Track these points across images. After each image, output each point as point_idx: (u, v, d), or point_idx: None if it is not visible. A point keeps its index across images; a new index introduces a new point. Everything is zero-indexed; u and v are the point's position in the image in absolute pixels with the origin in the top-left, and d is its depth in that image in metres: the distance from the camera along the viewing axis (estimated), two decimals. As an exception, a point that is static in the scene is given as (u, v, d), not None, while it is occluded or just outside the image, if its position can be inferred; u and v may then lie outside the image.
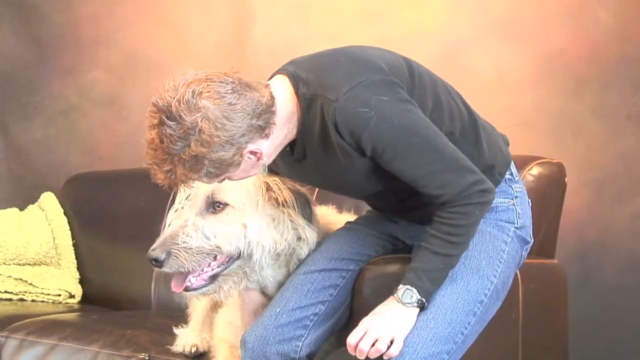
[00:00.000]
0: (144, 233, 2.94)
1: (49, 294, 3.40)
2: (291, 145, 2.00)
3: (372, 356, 1.89)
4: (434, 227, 1.93)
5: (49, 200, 3.66)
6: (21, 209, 3.68)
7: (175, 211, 2.17)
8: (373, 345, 1.89)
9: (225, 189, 2.10)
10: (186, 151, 1.80)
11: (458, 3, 3.14)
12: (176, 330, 2.51)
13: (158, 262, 2.05)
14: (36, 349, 2.77)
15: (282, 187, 2.14)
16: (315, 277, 2.11)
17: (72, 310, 3.25)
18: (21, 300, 3.37)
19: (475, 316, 1.98)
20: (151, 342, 2.60)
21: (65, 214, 3.61)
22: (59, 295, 3.41)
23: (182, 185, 1.89)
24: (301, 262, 2.17)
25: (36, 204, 3.68)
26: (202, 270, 2.09)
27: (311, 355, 2.08)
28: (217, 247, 2.08)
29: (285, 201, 2.12)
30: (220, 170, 1.86)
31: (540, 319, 2.44)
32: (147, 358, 2.55)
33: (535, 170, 2.55)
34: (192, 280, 2.08)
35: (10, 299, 3.36)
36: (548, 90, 2.98)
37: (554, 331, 2.54)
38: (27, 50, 4.18)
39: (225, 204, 2.11)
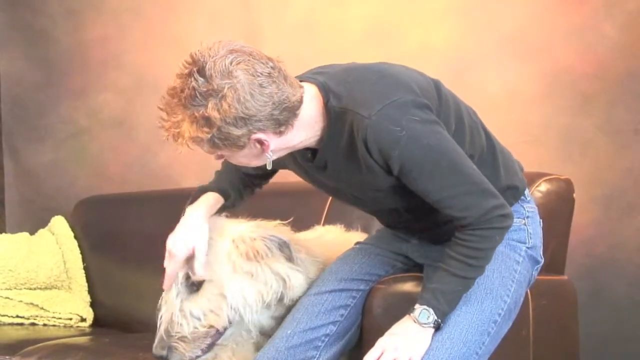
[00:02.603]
0: (154, 255, 2.94)
1: (60, 318, 3.42)
2: (312, 152, 1.99)
3: None
4: (454, 249, 1.94)
5: (59, 224, 3.68)
6: (31, 233, 3.69)
7: (162, 298, 2.15)
8: None
9: (198, 266, 2.06)
10: (200, 110, 1.78)
11: (466, 21, 3.16)
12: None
13: (162, 359, 2.09)
14: (49, 373, 2.79)
15: (252, 238, 2.11)
16: (326, 298, 2.11)
17: (83, 334, 3.27)
18: (33, 324, 3.38)
19: (489, 336, 1.99)
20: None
21: (75, 237, 3.63)
22: (71, 319, 3.43)
23: (180, 141, 1.84)
24: (295, 299, 2.15)
25: (46, 227, 3.70)
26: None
27: None
28: (210, 325, 2.09)
29: (258, 252, 2.09)
30: (224, 144, 1.84)
31: (550, 336, 2.44)
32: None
33: (543, 187, 2.56)
34: (189, 355, 2.09)
35: (21, 324, 3.37)
36: (555, 106, 2.99)
37: (565, 347, 2.54)
38: (36, 73, 4.21)
39: (201, 281, 2.08)
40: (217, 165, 2.22)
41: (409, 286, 2.09)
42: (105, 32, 4.03)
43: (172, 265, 2.07)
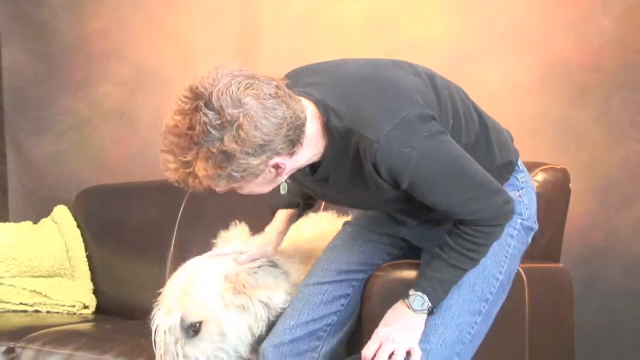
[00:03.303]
0: (155, 244, 2.98)
1: (63, 305, 3.44)
2: (311, 167, 1.93)
3: None
4: (454, 239, 1.92)
5: (61, 213, 3.69)
6: (35, 222, 3.71)
7: (159, 350, 2.10)
8: (390, 357, 1.89)
9: (191, 308, 2.04)
10: (216, 144, 1.67)
11: (464, 15, 3.18)
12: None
13: None
14: (52, 358, 2.80)
15: (236, 273, 2.11)
16: (327, 289, 2.11)
17: (86, 321, 3.28)
18: (36, 311, 3.40)
19: (481, 315, 2.00)
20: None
21: (78, 226, 3.65)
22: (73, 306, 3.45)
23: (192, 183, 1.73)
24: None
25: (49, 217, 3.72)
26: None
27: None
28: None
29: (244, 286, 2.08)
30: (242, 175, 1.74)
31: (546, 322, 2.46)
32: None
33: (540, 176, 2.56)
34: None
35: (25, 311, 3.39)
36: (552, 98, 3.01)
37: (560, 334, 2.56)
38: (37, 66, 4.23)
39: (199, 322, 2.05)
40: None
41: (406, 273, 2.10)
42: (106, 25, 4.04)
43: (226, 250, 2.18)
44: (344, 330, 2.13)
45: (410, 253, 2.20)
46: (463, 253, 1.91)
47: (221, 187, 1.77)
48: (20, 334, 2.97)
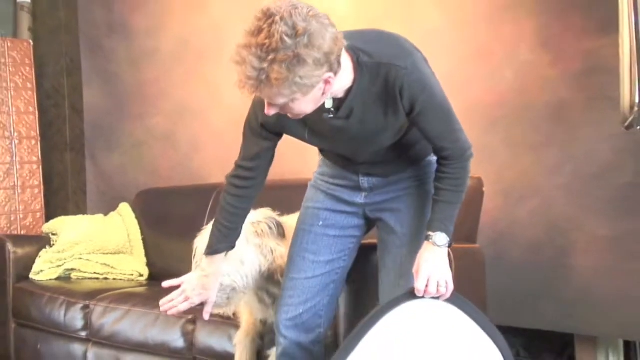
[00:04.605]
0: (191, 230, 2.93)
1: (125, 274, 3.41)
2: (336, 107, 1.71)
3: (436, 295, 1.78)
4: (443, 183, 1.79)
5: (124, 209, 3.67)
6: (105, 214, 3.69)
7: (196, 263, 2.09)
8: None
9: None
10: (291, 49, 1.47)
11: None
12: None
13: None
14: (116, 312, 2.80)
15: (259, 221, 2.08)
16: (320, 280, 1.99)
17: (141, 285, 3.27)
18: (105, 279, 3.38)
19: None
20: (196, 307, 2.59)
21: (136, 217, 3.62)
22: (132, 275, 3.42)
23: (261, 89, 1.52)
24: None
25: (116, 211, 3.69)
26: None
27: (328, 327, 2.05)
28: (233, 280, 2.03)
29: (262, 231, 2.06)
30: (304, 83, 1.52)
31: (466, 289, 2.39)
32: (193, 318, 2.55)
33: (462, 183, 2.56)
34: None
35: (97, 278, 3.37)
36: (471, 127, 2.87)
37: (477, 298, 2.49)
38: (109, 103, 4.20)
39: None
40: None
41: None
42: (157, 74, 4.02)
43: (184, 306, 1.95)
44: (334, 304, 2.05)
45: (368, 233, 2.07)
46: (452, 190, 1.79)
47: (284, 96, 1.54)
48: (93, 295, 2.96)
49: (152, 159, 4.05)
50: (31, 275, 3.30)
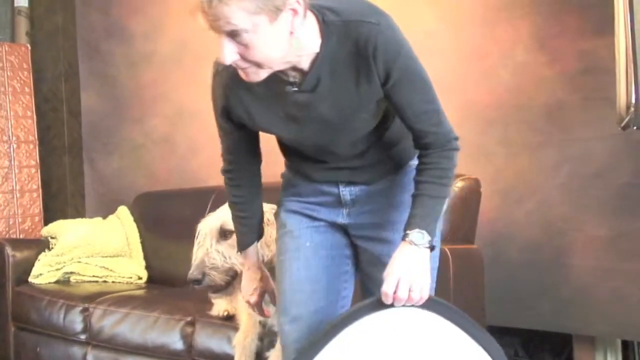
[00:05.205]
0: (189, 234, 2.92)
1: (123, 277, 3.40)
2: (298, 79, 1.48)
3: (408, 303, 1.49)
4: (424, 175, 1.53)
5: (123, 212, 3.66)
6: (104, 217, 3.68)
7: (198, 243, 2.08)
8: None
9: (229, 221, 1.87)
10: None
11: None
12: (213, 300, 2.50)
13: (197, 281, 1.99)
14: (115, 315, 2.79)
15: (266, 211, 1.93)
16: (326, 314, 1.63)
17: (140, 288, 3.26)
18: (104, 281, 3.36)
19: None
20: (196, 309, 2.60)
21: (134, 220, 3.61)
22: (131, 277, 3.41)
23: (226, 9, 1.30)
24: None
25: (114, 214, 3.68)
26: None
27: None
28: (233, 264, 2.00)
29: (268, 220, 1.97)
30: (263, 7, 1.31)
31: (465, 287, 2.44)
32: (192, 320, 2.55)
33: (460, 184, 2.56)
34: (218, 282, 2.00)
35: (96, 281, 3.35)
36: (468, 128, 2.96)
37: (475, 296, 2.54)
38: (107, 106, 4.18)
39: (232, 231, 1.95)
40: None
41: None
42: (155, 76, 4.00)
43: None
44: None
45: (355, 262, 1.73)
46: (435, 182, 1.52)
47: (246, 12, 1.31)
48: (92, 297, 2.95)
49: (150, 162, 4.04)
50: (30, 279, 3.29)
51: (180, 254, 3.43)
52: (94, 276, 3.35)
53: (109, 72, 4.16)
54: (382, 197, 1.65)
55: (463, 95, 2.98)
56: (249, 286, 1.81)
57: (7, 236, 3.98)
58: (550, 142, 2.79)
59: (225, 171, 1.77)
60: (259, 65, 1.40)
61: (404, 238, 1.51)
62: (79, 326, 2.89)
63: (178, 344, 2.55)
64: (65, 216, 4.13)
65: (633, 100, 2.01)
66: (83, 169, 4.25)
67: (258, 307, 1.83)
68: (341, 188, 1.65)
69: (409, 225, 1.52)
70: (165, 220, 3.51)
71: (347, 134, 1.55)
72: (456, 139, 1.56)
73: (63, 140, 4.51)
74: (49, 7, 4.55)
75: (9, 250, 3.27)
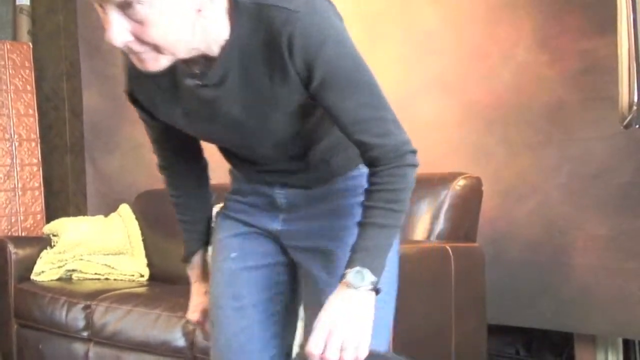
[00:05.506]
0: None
1: (125, 275, 3.40)
2: (202, 71, 1.21)
3: None
4: (372, 197, 1.22)
5: (124, 210, 3.66)
6: (105, 216, 3.68)
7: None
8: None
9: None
10: None
11: (407, 67, 3.12)
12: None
13: None
14: (117, 312, 2.78)
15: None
16: (253, 335, 1.47)
17: (142, 286, 3.26)
18: (106, 279, 3.36)
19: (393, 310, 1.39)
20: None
21: (136, 218, 3.61)
22: (133, 275, 3.41)
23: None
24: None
25: (116, 212, 3.68)
26: None
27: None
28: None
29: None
30: None
31: (466, 286, 2.45)
32: (194, 317, 2.54)
33: (461, 182, 2.57)
34: None
35: (98, 279, 3.35)
36: (468, 127, 2.98)
37: (476, 294, 2.55)
38: (108, 105, 4.17)
39: None
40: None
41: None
42: (156, 76, 4.00)
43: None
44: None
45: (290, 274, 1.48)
46: (384, 207, 1.21)
47: None
48: (94, 295, 2.95)
49: (151, 160, 3.91)
50: (32, 276, 3.29)
51: (182, 252, 3.47)
52: (96, 274, 3.35)
53: (111, 71, 4.15)
54: (322, 202, 1.38)
55: (464, 94, 2.98)
56: (192, 302, 1.58)
57: (9, 234, 3.98)
58: (551, 141, 2.79)
59: (159, 167, 1.54)
60: (157, 49, 1.10)
61: (341, 279, 1.19)
62: (81, 323, 2.89)
63: (180, 341, 2.55)
64: (66, 214, 4.14)
65: (635, 99, 2.01)
66: (85, 167, 4.26)
67: (201, 326, 1.60)
68: (276, 190, 1.40)
69: (349, 263, 1.20)
70: (167, 219, 3.48)
71: (263, 136, 1.28)
72: (413, 152, 1.24)
73: (65, 138, 4.51)
74: (51, 6, 4.56)
75: (11, 248, 3.27)
